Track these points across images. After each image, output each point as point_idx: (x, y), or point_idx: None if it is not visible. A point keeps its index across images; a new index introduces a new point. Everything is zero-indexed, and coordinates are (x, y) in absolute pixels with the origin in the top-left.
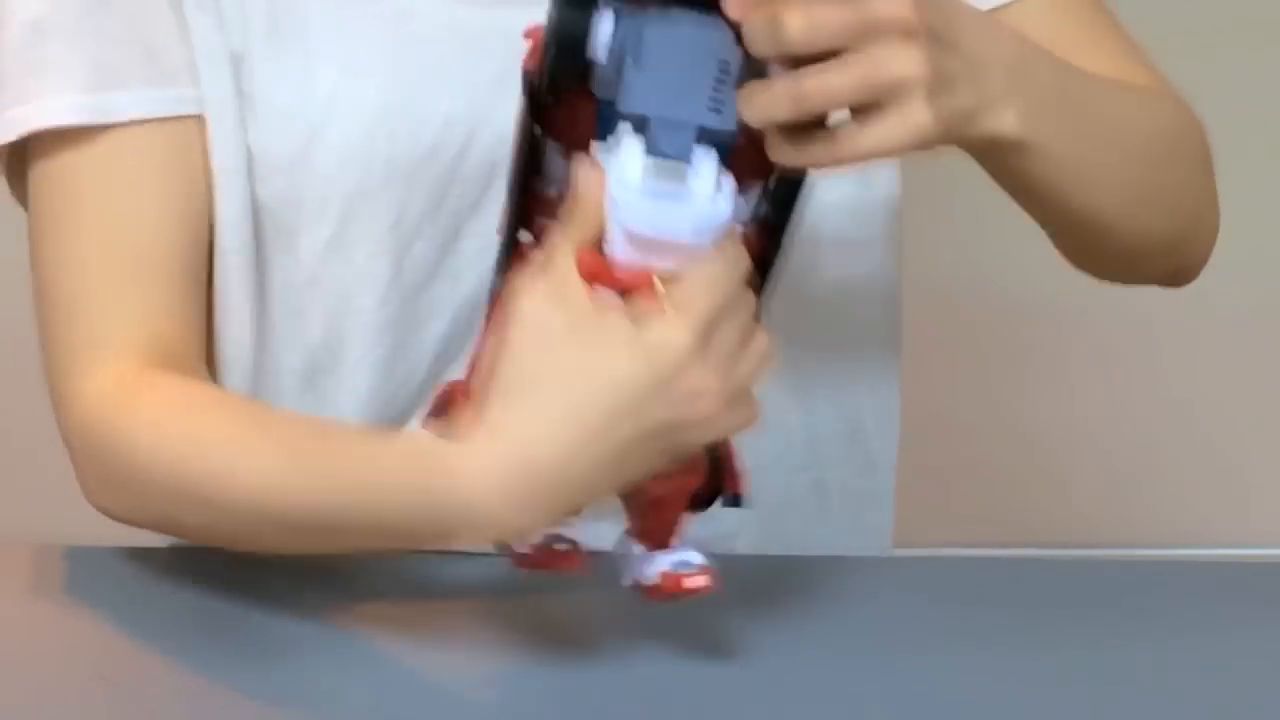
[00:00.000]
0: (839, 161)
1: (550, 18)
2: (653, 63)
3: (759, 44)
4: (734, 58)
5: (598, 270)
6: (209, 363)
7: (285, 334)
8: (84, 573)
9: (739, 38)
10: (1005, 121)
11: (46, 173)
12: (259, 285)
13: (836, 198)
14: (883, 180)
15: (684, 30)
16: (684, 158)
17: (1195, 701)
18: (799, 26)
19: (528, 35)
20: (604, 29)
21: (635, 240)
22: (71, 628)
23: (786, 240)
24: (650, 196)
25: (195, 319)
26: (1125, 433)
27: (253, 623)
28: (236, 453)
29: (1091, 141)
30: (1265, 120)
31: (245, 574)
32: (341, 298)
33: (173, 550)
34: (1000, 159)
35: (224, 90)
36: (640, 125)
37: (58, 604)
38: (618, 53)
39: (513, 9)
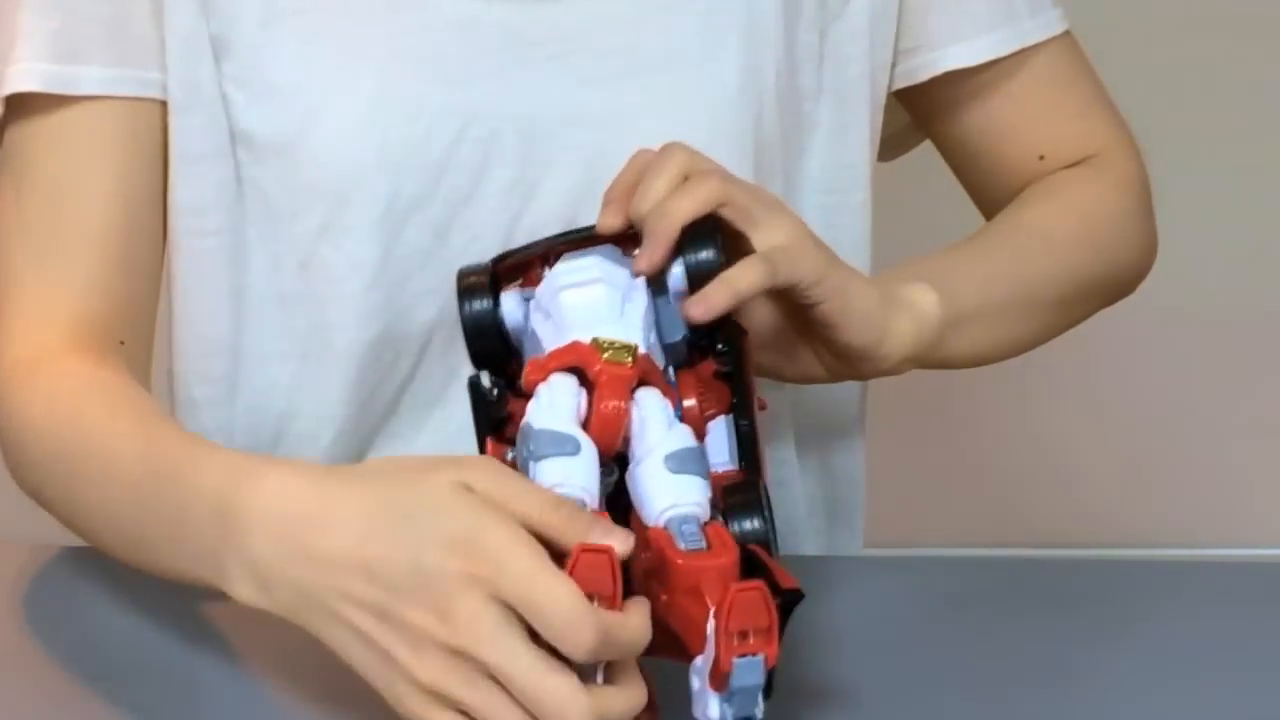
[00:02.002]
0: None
1: (461, 311)
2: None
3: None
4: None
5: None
6: (166, 347)
7: (271, 319)
8: (83, 573)
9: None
10: (926, 298)
11: (12, 138)
12: (240, 269)
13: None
14: (855, 190)
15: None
16: None
17: (1194, 701)
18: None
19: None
20: (511, 304)
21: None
22: (71, 628)
23: (748, 381)
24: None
25: (129, 299)
26: (1124, 433)
27: (252, 623)
28: (101, 442)
29: (1003, 308)
30: (1263, 123)
31: None
32: (331, 283)
33: None
34: (933, 344)
35: (201, 75)
36: None
37: (57, 604)
38: (529, 317)
39: (512, 3)
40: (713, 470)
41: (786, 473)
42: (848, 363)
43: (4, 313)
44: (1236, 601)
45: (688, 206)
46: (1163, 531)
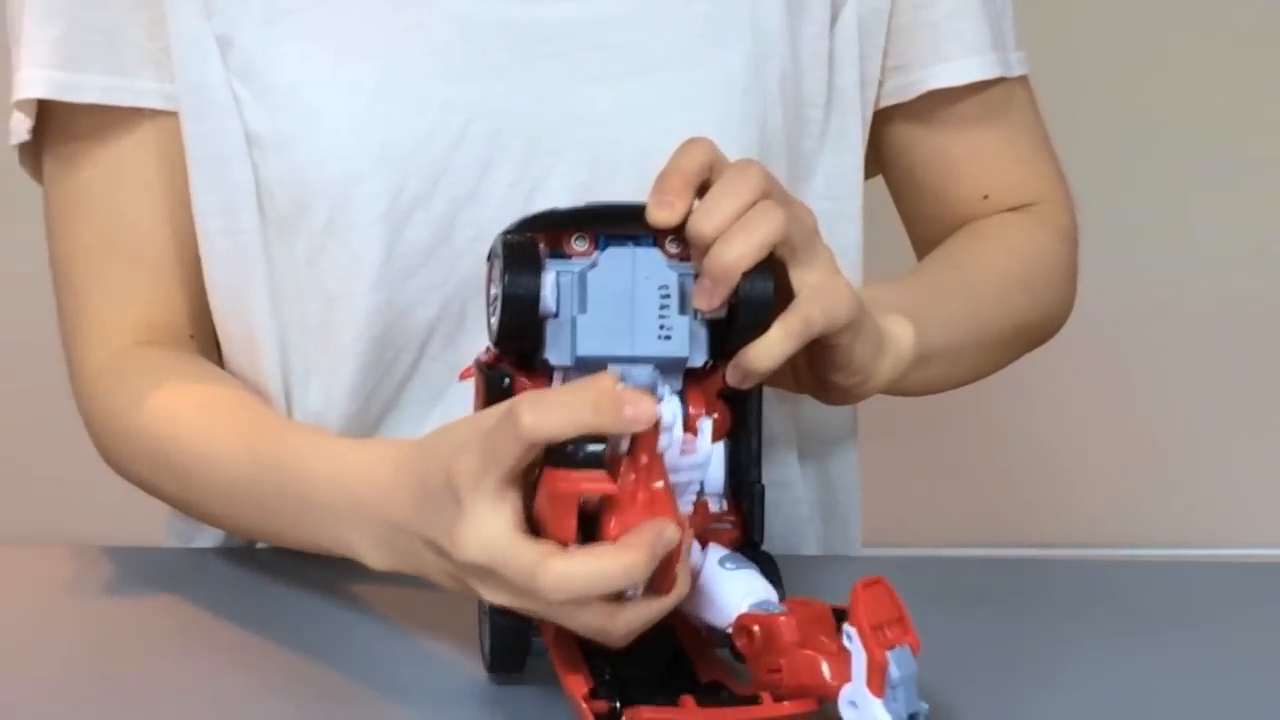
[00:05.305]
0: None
1: (501, 282)
2: (598, 305)
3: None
4: (671, 280)
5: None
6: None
7: (277, 316)
8: (84, 573)
9: (683, 258)
10: (905, 335)
11: (57, 155)
12: (251, 268)
13: None
14: (851, 198)
15: (622, 267)
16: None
17: (1194, 701)
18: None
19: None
20: (549, 284)
21: None
22: (71, 628)
23: (753, 408)
24: None
25: (188, 302)
26: (1122, 433)
27: (252, 623)
28: (205, 442)
29: (962, 338)
30: (1263, 124)
31: (244, 574)
32: (336, 279)
33: (172, 551)
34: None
35: (210, 76)
36: (598, 369)
37: (58, 604)
38: (564, 304)
39: (515, 1)
40: (706, 496)
41: (788, 476)
42: (822, 388)
43: (80, 323)
44: (1236, 601)
45: (751, 254)
46: (1163, 531)
